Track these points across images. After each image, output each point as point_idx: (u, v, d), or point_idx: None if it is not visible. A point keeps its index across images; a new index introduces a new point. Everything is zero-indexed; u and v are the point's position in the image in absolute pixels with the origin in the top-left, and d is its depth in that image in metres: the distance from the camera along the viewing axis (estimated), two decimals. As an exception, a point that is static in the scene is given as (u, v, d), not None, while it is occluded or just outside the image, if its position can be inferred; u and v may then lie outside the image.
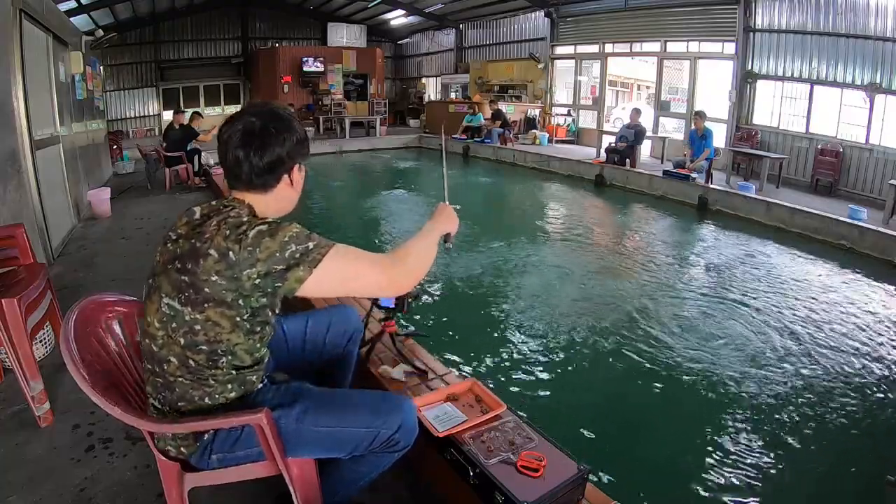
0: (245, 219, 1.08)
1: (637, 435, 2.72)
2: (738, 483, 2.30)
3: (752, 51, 9.16)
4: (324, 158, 12.04)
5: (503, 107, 12.79)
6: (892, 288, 4.77)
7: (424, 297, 4.11)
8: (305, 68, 15.13)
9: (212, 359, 1.11)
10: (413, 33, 18.93)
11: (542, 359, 3.33)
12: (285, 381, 1.32)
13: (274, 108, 1.17)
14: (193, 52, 15.83)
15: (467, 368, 3.16)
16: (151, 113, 15.36)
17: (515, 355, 3.35)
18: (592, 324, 3.77)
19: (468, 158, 12.15)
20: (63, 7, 8.32)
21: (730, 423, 2.72)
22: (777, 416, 2.79)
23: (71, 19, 7.80)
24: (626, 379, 3.14)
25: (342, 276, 1.09)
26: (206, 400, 1.14)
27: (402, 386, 1.84)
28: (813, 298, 4.43)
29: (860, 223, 5.82)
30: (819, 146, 8.19)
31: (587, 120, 13.13)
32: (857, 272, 5.15)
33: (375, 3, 14.87)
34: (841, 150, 7.90)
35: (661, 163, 9.48)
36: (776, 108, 9.05)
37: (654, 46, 11.08)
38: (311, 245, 1.06)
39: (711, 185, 7.67)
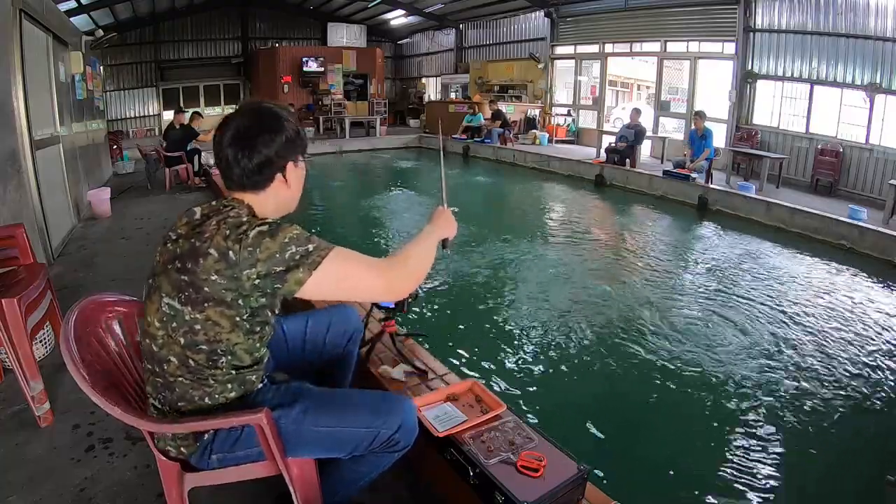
0: (245, 219, 1.08)
1: (637, 435, 2.72)
2: (737, 483, 2.30)
3: (752, 51, 9.16)
4: (324, 158, 12.04)
5: (503, 107, 12.80)
6: (892, 288, 4.77)
7: (425, 298, 4.11)
8: (305, 68, 15.13)
9: (211, 358, 1.11)
10: (413, 33, 18.94)
11: (541, 359, 3.33)
12: (285, 381, 1.32)
13: (264, 107, 1.16)
14: (193, 52, 15.84)
15: (467, 368, 3.16)
16: (151, 113, 15.37)
17: (515, 355, 3.35)
18: (592, 324, 3.77)
19: (468, 158, 12.15)
20: (63, 7, 8.32)
21: (729, 423, 2.72)
22: (777, 416, 2.78)
23: (71, 19, 7.80)
24: (626, 379, 3.14)
25: (341, 279, 1.09)
26: (206, 400, 1.14)
27: (402, 386, 1.84)
28: (813, 299, 4.44)
29: (860, 223, 5.82)
30: (819, 146, 8.20)
31: (587, 120, 13.13)
32: (857, 272, 5.15)
33: (375, 3, 14.87)
34: (841, 150, 7.90)
35: (661, 163, 9.48)
36: (776, 108, 9.05)
37: (654, 46, 11.09)
38: (311, 247, 1.06)
39: (711, 185, 7.67)
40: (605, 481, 2.13)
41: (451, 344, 3.42)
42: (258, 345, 1.17)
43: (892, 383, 3.18)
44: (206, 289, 1.04)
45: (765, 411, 2.82)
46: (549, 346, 3.48)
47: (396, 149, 13.69)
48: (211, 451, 1.18)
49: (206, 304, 1.05)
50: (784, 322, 3.90)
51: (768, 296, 4.40)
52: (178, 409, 1.14)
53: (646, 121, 9.96)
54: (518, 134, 12.81)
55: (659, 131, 10.88)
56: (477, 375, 3.05)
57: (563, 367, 3.25)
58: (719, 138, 8.90)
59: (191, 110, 8.25)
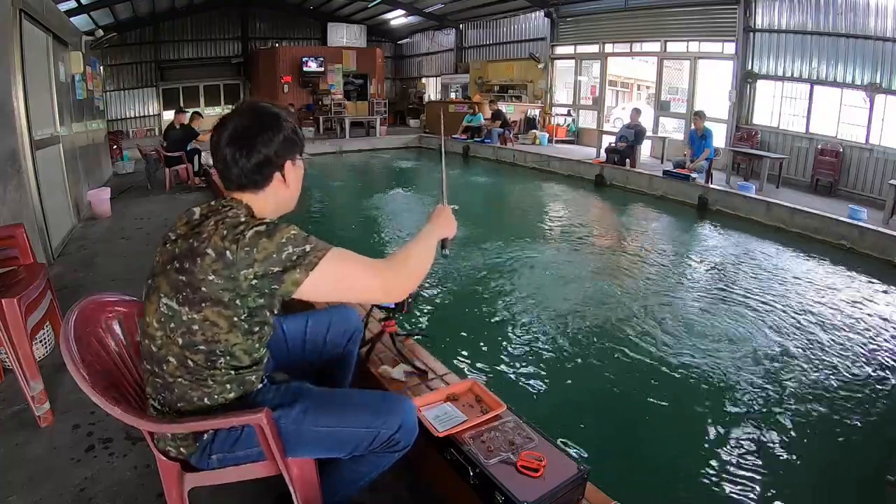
0: (243, 219, 1.08)
1: (637, 434, 2.72)
2: (738, 483, 2.30)
3: (752, 51, 9.16)
4: (324, 158, 12.04)
5: (503, 107, 12.80)
6: (892, 288, 4.77)
7: (425, 298, 4.11)
8: (305, 68, 15.13)
9: (210, 359, 1.10)
10: (413, 33, 18.94)
11: (542, 358, 3.33)
12: (285, 381, 1.32)
13: (261, 106, 1.16)
14: (193, 52, 15.84)
15: (467, 368, 3.16)
16: (151, 113, 15.37)
17: (515, 355, 3.35)
18: (592, 323, 3.77)
19: (468, 158, 12.15)
20: (63, 7, 8.32)
21: (730, 423, 2.71)
22: (777, 416, 2.78)
23: (71, 19, 7.80)
24: (627, 378, 3.14)
25: (338, 279, 1.08)
26: (206, 400, 1.14)
27: (402, 386, 1.84)
28: (813, 299, 4.43)
29: (860, 223, 5.82)
30: (819, 146, 8.19)
31: (587, 120, 13.13)
32: (858, 272, 5.15)
33: (375, 3, 14.87)
34: (841, 150, 7.90)
35: (661, 163, 9.48)
36: (776, 108, 9.05)
37: (654, 46, 11.08)
38: (308, 248, 1.05)
39: (711, 185, 7.67)
40: (604, 481, 2.13)
41: (451, 344, 3.42)
42: (257, 345, 1.16)
43: (893, 383, 3.18)
44: (203, 289, 1.04)
45: (765, 411, 2.82)
46: (549, 345, 3.48)
47: (396, 149, 13.69)
48: (211, 452, 1.18)
49: (203, 305, 1.05)
50: (784, 322, 3.90)
51: (768, 296, 4.39)
52: (178, 410, 1.14)
53: (646, 121, 9.96)
54: (518, 134, 12.81)
55: (659, 131, 10.88)
56: (477, 375, 3.05)
57: (563, 367, 3.25)
58: (719, 138, 8.90)
59: (191, 110, 8.25)
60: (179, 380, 1.12)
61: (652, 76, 12.13)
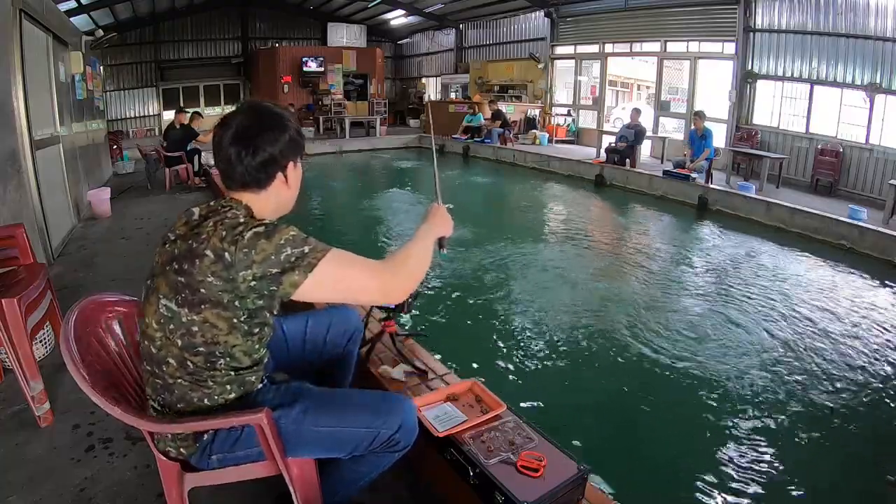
0: (242, 220, 1.08)
1: (637, 435, 2.72)
2: (738, 483, 2.30)
3: (752, 51, 9.16)
4: (324, 158, 12.04)
5: (503, 107, 12.79)
6: (892, 288, 4.77)
7: (425, 298, 4.11)
8: (305, 68, 15.13)
9: (210, 360, 1.10)
10: (413, 33, 18.93)
11: (541, 358, 3.33)
12: (285, 381, 1.32)
13: (266, 106, 1.17)
14: (193, 52, 15.84)
15: (467, 368, 3.16)
16: (151, 113, 15.37)
17: (515, 355, 3.35)
18: (592, 324, 3.77)
19: (468, 158, 12.15)
20: (63, 7, 8.32)
21: (730, 424, 2.71)
22: (777, 417, 2.78)
23: (71, 19, 7.80)
24: (627, 379, 3.14)
25: (337, 281, 1.07)
26: (206, 401, 1.14)
27: (402, 386, 1.84)
28: (813, 299, 4.43)
29: (860, 223, 5.82)
30: (819, 146, 8.20)
31: (587, 120, 13.13)
32: (858, 272, 5.15)
33: (375, 3, 14.88)
34: (841, 150, 7.90)
35: (661, 163, 9.48)
36: (776, 108, 9.05)
37: (654, 46, 11.08)
38: (306, 249, 1.05)
39: (711, 185, 7.67)
40: (605, 481, 2.13)
41: (451, 344, 3.41)
42: (257, 346, 1.16)
43: (893, 383, 3.18)
44: (202, 290, 1.04)
45: (765, 411, 2.82)
46: (549, 345, 3.48)
47: (396, 149, 13.69)
48: (211, 452, 1.18)
49: (202, 306, 1.05)
50: (784, 322, 3.90)
51: (769, 296, 4.39)
52: (178, 411, 1.14)
53: (646, 121, 9.96)
54: (518, 134, 12.81)
55: (659, 131, 10.88)
56: (477, 375, 3.05)
57: (563, 367, 3.26)
58: (719, 138, 8.90)
59: (191, 110, 8.25)
60: (179, 381, 1.12)
61: (652, 76, 12.13)
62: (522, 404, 2.77)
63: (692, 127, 8.16)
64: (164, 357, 1.11)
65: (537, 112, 13.51)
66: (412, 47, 19.48)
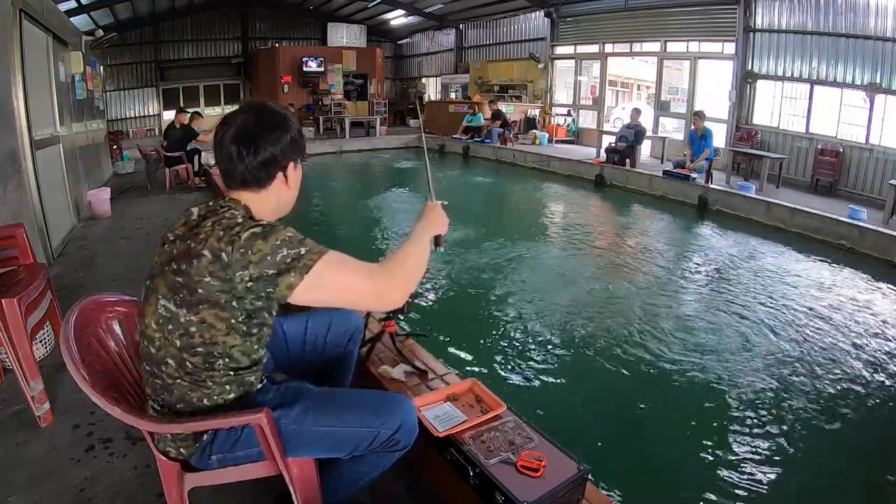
0: (240, 220, 1.07)
1: (637, 435, 2.72)
2: (738, 483, 2.30)
3: (752, 51, 9.16)
4: (324, 158, 12.04)
5: (503, 107, 12.79)
6: (892, 288, 4.77)
7: (425, 298, 4.11)
8: (305, 68, 15.12)
9: (208, 361, 1.10)
10: (413, 33, 18.93)
11: (541, 359, 3.33)
12: (285, 381, 1.32)
13: (268, 106, 1.17)
14: (193, 52, 15.84)
15: (467, 368, 3.16)
16: (151, 113, 15.37)
17: (515, 355, 3.35)
18: (592, 324, 3.77)
19: (468, 158, 12.15)
20: (63, 7, 8.32)
21: (730, 424, 2.72)
22: (777, 417, 2.78)
23: (71, 19, 7.80)
24: (627, 379, 3.14)
25: (333, 284, 1.06)
26: (205, 401, 1.14)
27: (402, 386, 1.84)
28: (813, 299, 4.43)
29: (860, 223, 5.82)
30: (819, 146, 8.19)
31: (587, 120, 13.12)
32: (858, 272, 5.15)
33: (375, 3, 14.87)
34: (841, 150, 7.90)
35: (661, 163, 9.48)
36: (776, 108, 9.05)
37: (654, 46, 11.08)
38: (303, 250, 1.04)
39: (711, 185, 7.67)
40: (605, 481, 2.13)
41: (451, 344, 3.42)
42: (256, 347, 1.16)
43: (893, 383, 3.18)
44: (199, 290, 1.04)
45: (765, 411, 2.82)
46: (550, 345, 3.48)
47: (396, 149, 13.69)
48: (211, 452, 1.18)
49: (200, 307, 1.05)
50: (785, 322, 3.90)
51: (769, 296, 4.40)
52: (177, 411, 1.14)
53: (646, 121, 9.96)
54: (518, 134, 12.81)
55: (659, 131, 10.88)
56: (478, 373, 3.05)
57: (564, 367, 3.25)
58: (719, 138, 8.90)
59: (191, 110, 8.25)
60: (178, 381, 1.12)
61: (652, 76, 12.13)
62: (522, 404, 2.77)
63: (692, 127, 8.16)
64: (163, 357, 1.11)
65: (537, 112, 13.51)
66: (412, 47, 19.47)
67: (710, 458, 2.45)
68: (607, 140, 9.99)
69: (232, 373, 1.14)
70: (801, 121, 8.68)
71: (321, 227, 6.61)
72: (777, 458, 2.47)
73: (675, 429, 2.76)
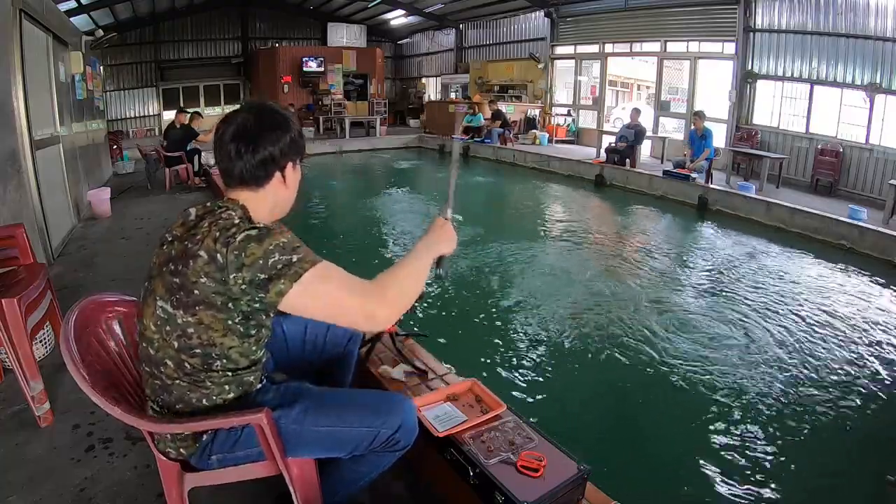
0: (236, 221, 1.07)
1: (637, 435, 2.72)
2: (738, 483, 2.30)
3: (752, 51, 9.16)
4: (324, 158, 12.04)
5: (503, 107, 12.80)
6: (892, 288, 4.77)
7: (425, 298, 4.11)
8: (305, 68, 15.12)
9: (206, 362, 1.10)
10: (413, 33, 18.93)
11: (541, 359, 3.33)
12: (285, 381, 1.32)
13: (270, 106, 1.17)
14: (193, 52, 15.84)
15: (467, 368, 3.15)
16: (151, 113, 15.37)
17: (515, 355, 3.35)
18: (592, 324, 3.77)
19: (468, 158, 12.16)
20: (63, 7, 8.32)
21: (731, 424, 2.72)
22: (777, 417, 2.78)
23: (71, 19, 7.80)
24: (627, 378, 3.14)
25: (321, 297, 1.04)
26: (204, 402, 1.13)
27: (402, 386, 1.84)
28: (813, 299, 4.43)
29: (860, 223, 5.82)
30: (819, 146, 8.19)
31: (587, 120, 13.12)
32: (858, 272, 5.15)
33: (375, 3, 14.87)
34: (841, 150, 7.90)
35: (661, 163, 9.48)
36: (776, 108, 9.05)
37: (654, 46, 11.08)
38: (294, 258, 1.03)
39: (711, 185, 7.67)
40: (605, 481, 2.13)
41: (451, 344, 3.41)
42: (254, 348, 1.16)
43: (893, 383, 3.18)
44: (196, 291, 1.04)
45: (766, 411, 2.82)
46: (550, 345, 3.48)
47: (396, 149, 13.70)
48: (210, 452, 1.18)
49: (197, 308, 1.05)
50: (785, 323, 3.90)
51: (769, 296, 4.40)
52: (177, 411, 1.14)
53: (646, 121, 9.96)
54: (518, 134, 12.81)
55: (659, 131, 10.88)
56: (478, 373, 3.05)
57: (564, 367, 3.25)
58: (719, 138, 8.90)
59: (191, 110, 8.25)
60: (177, 382, 1.12)
61: (652, 76, 12.13)
62: (522, 404, 2.77)
63: (692, 127, 8.16)
64: (161, 358, 1.11)
65: (537, 112, 13.51)
66: (412, 47, 19.47)
67: (711, 458, 2.45)
68: (607, 140, 9.99)
69: (230, 373, 1.14)
70: (801, 121, 8.68)
71: (321, 227, 6.61)
72: (777, 458, 2.47)
73: (674, 428, 2.76)
